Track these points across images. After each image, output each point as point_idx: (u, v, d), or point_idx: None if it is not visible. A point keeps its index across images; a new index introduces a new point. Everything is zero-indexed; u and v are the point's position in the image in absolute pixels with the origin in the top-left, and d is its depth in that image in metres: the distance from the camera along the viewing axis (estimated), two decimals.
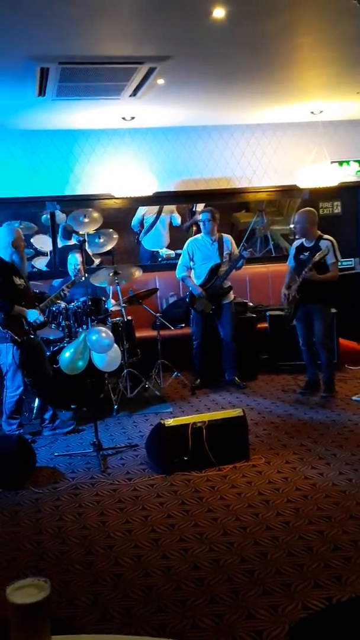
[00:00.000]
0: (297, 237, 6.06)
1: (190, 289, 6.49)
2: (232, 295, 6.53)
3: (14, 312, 4.97)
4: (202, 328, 6.49)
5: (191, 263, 6.50)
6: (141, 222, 8.65)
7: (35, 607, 1.27)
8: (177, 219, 8.72)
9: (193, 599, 2.76)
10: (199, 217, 8.81)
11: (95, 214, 5.07)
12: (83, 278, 5.62)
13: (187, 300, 6.65)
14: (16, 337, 4.94)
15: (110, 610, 2.71)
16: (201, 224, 6.50)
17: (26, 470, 4.33)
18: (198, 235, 6.60)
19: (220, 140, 7.68)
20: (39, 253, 8.53)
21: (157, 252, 8.61)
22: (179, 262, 6.62)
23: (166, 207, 8.50)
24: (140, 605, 2.74)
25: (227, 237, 6.51)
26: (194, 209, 8.89)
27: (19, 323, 5.02)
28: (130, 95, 5.69)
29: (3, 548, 3.31)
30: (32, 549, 3.32)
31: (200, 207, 8.82)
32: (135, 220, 8.64)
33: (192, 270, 6.54)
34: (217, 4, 3.86)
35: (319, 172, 7.34)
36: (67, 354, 4.58)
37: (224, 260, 6.38)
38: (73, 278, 5.73)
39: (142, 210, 8.53)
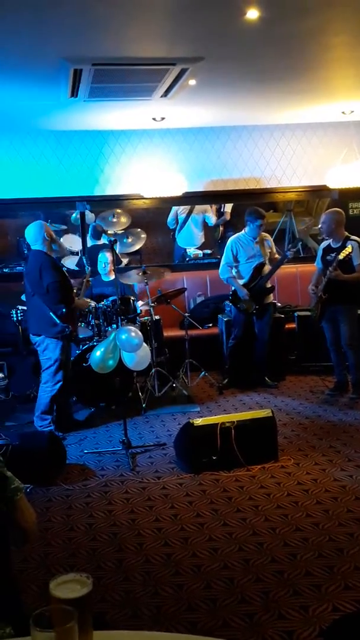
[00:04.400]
0: (324, 237, 6.04)
1: (235, 289, 6.41)
2: (271, 296, 6.53)
3: (75, 305, 5.03)
4: (243, 328, 6.45)
5: (234, 263, 6.44)
6: (176, 219, 8.68)
7: (78, 602, 1.30)
8: (212, 219, 8.68)
9: (223, 598, 2.78)
10: (228, 217, 8.85)
11: (123, 216, 5.12)
12: (112, 276, 5.69)
13: (229, 297, 6.55)
14: (74, 332, 4.99)
15: (141, 607, 2.75)
16: (252, 227, 6.31)
17: (57, 467, 4.39)
18: (240, 234, 6.51)
19: (250, 141, 7.66)
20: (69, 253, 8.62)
21: (185, 250, 8.62)
22: (222, 261, 6.49)
23: (199, 207, 8.49)
24: (171, 603, 2.77)
25: (269, 239, 6.50)
26: (222, 209, 8.88)
27: (75, 317, 5.07)
28: (162, 96, 5.71)
29: (35, 544, 3.36)
30: (64, 545, 3.38)
31: (228, 207, 8.82)
32: (170, 217, 8.69)
33: (234, 269, 6.45)
34: (251, 5, 3.86)
35: (349, 172, 7.29)
36: (97, 353, 4.63)
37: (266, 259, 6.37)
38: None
39: (176, 207, 8.56)
